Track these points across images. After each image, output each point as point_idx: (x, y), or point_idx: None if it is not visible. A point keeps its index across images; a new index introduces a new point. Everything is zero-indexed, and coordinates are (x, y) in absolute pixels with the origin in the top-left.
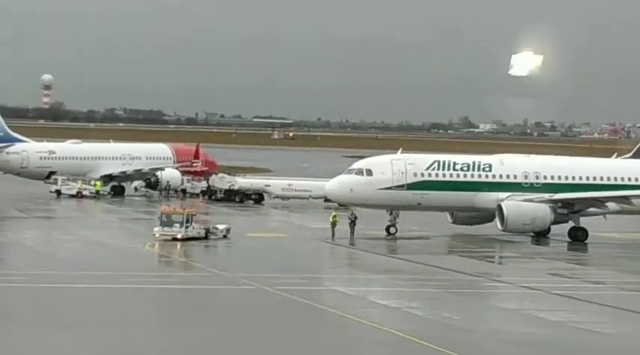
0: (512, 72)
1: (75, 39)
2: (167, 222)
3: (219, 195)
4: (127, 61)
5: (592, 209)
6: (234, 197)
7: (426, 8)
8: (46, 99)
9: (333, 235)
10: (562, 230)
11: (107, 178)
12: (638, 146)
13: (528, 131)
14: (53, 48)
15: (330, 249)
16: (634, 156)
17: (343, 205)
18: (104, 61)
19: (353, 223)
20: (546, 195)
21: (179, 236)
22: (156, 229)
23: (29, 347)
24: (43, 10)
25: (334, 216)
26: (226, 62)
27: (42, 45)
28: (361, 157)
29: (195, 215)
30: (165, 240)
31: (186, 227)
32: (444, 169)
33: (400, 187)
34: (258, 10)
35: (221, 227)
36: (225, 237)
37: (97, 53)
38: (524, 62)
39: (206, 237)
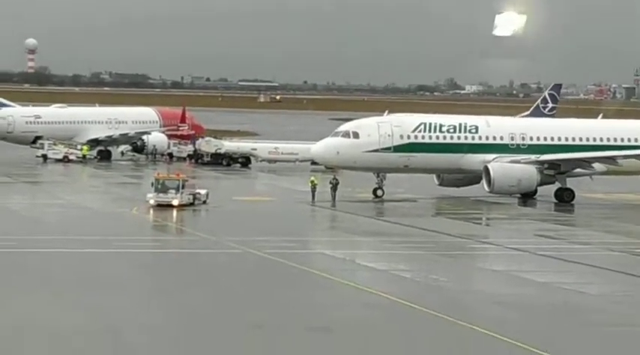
0: (496, 32)
1: (59, 3)
2: (162, 189)
3: (206, 159)
4: (113, 25)
5: (578, 170)
6: (221, 161)
7: None
8: (30, 64)
9: (313, 199)
10: (549, 191)
11: (93, 142)
12: (535, 104)
13: (514, 92)
14: (38, 12)
15: (317, 212)
16: (531, 115)
17: (330, 168)
18: (89, 25)
19: (334, 187)
20: (532, 157)
21: (175, 202)
22: (150, 195)
23: (15, 313)
24: None
25: (312, 181)
26: (213, 27)
27: (26, 9)
28: (348, 120)
29: (187, 181)
30: (160, 206)
31: (182, 193)
32: (430, 131)
33: (387, 149)
34: None
35: (202, 192)
36: (204, 202)
37: (82, 17)
38: (508, 22)
39: (192, 203)
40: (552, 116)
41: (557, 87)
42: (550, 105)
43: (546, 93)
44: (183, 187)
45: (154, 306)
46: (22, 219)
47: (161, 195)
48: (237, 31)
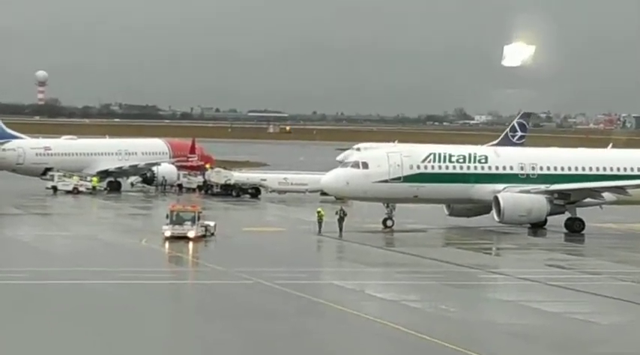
0: (505, 62)
1: (69, 35)
2: (177, 220)
3: (216, 190)
4: (121, 57)
5: (588, 199)
6: (231, 191)
7: (419, 3)
8: (40, 96)
9: (320, 230)
10: (559, 221)
11: (103, 174)
12: (504, 133)
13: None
14: (48, 45)
15: (327, 242)
16: (500, 144)
17: (340, 198)
18: (98, 57)
19: (341, 218)
20: (542, 186)
21: (190, 234)
22: (165, 227)
23: (26, 344)
24: (37, 7)
25: (319, 211)
26: (222, 60)
27: (36, 42)
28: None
29: (202, 212)
30: (173, 237)
31: (198, 225)
32: (440, 161)
33: (396, 180)
34: (248, 10)
35: (211, 224)
36: (212, 234)
37: (91, 49)
38: (517, 53)
39: (205, 235)
40: (521, 145)
41: (527, 115)
42: (519, 133)
43: (515, 122)
44: (198, 219)
45: (162, 337)
46: (32, 251)
47: (177, 227)
48: (246, 63)
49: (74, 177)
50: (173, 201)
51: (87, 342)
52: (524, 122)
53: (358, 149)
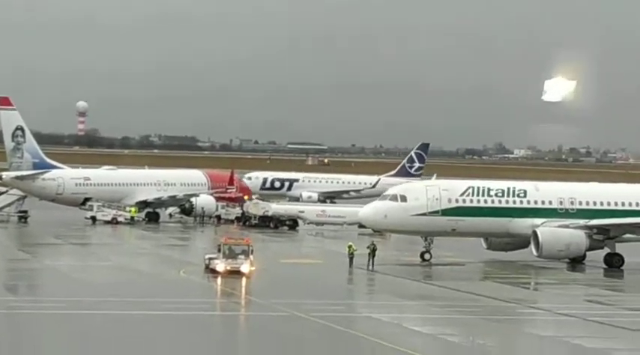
0: (546, 98)
1: (109, 66)
2: (230, 254)
3: (254, 221)
4: (162, 89)
5: (628, 235)
6: (269, 223)
7: (460, 38)
8: (81, 126)
9: (351, 264)
10: (598, 256)
11: (142, 204)
12: (401, 164)
13: (563, 157)
14: (88, 75)
15: (363, 275)
16: (397, 175)
17: (377, 231)
18: (138, 89)
19: (373, 253)
20: (581, 221)
21: (244, 269)
22: (217, 261)
23: None
24: (78, 39)
25: (350, 246)
26: (261, 93)
27: (77, 73)
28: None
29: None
30: (231, 272)
31: (250, 259)
32: (478, 195)
33: (435, 213)
34: (288, 46)
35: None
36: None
37: (132, 81)
38: (558, 88)
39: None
40: (419, 176)
41: (425, 146)
42: (417, 164)
43: (413, 153)
44: (251, 253)
45: None
46: (71, 281)
47: (230, 260)
48: (286, 96)
49: (113, 208)
50: (211, 232)
51: None
52: (422, 153)
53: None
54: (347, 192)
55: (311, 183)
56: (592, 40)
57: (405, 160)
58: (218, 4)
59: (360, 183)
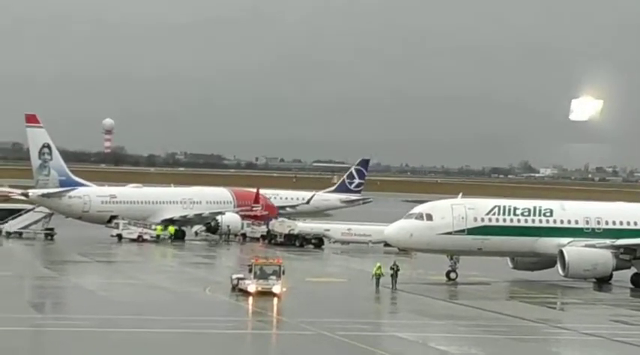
0: (573, 117)
1: (136, 84)
2: (261, 275)
3: (279, 240)
4: (187, 107)
5: None
6: (294, 241)
7: (488, 56)
8: (107, 144)
9: (377, 288)
10: (625, 276)
11: (168, 222)
12: (341, 180)
13: (589, 176)
14: (115, 93)
15: (388, 294)
16: (336, 191)
17: (403, 250)
18: (164, 107)
19: (395, 274)
20: (608, 241)
21: (276, 290)
22: (248, 282)
23: None
24: (104, 55)
25: (379, 268)
26: (285, 110)
27: (104, 90)
28: (421, 202)
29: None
30: (261, 293)
31: (282, 280)
32: (504, 214)
33: (460, 232)
34: (307, 61)
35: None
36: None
37: (157, 98)
38: (585, 107)
39: None
40: (359, 192)
41: (365, 162)
42: (357, 180)
43: (353, 169)
44: (283, 273)
45: None
46: (97, 298)
47: (261, 281)
48: (310, 114)
49: (139, 226)
50: (237, 250)
51: None
52: (362, 169)
53: None
54: (283, 207)
55: None
56: (619, 59)
57: (345, 176)
58: (245, 19)
59: (297, 198)
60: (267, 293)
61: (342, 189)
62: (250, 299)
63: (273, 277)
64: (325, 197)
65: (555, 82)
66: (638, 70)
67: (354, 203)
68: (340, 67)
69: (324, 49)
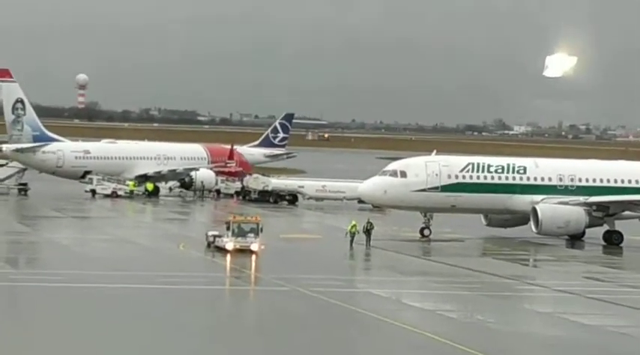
0: (547, 73)
1: (110, 39)
2: (239, 232)
3: (254, 196)
4: (162, 62)
5: (627, 212)
6: (269, 198)
7: (461, 11)
8: (81, 99)
9: (351, 245)
10: (597, 233)
11: (142, 178)
12: (265, 134)
13: (563, 133)
14: (88, 49)
15: (363, 251)
16: (261, 145)
17: (377, 207)
18: (138, 62)
19: (368, 232)
20: (581, 198)
21: (254, 248)
22: (226, 240)
23: (60, 348)
24: (79, 8)
25: (354, 226)
26: (261, 64)
27: (77, 46)
28: (395, 159)
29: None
30: (240, 250)
31: (259, 237)
32: (478, 171)
33: (434, 189)
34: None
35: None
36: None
37: (132, 54)
38: (559, 63)
39: None
40: (283, 146)
41: (289, 116)
42: (281, 135)
43: (277, 123)
44: (261, 231)
45: (194, 344)
46: (70, 254)
47: (240, 239)
48: (285, 68)
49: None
50: (211, 206)
51: (122, 346)
52: (286, 123)
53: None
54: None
55: None
56: (594, 16)
57: (269, 130)
58: None
59: None
60: (243, 251)
61: (267, 143)
62: (228, 256)
63: (251, 235)
64: (250, 151)
65: (530, 39)
66: (611, 25)
67: (277, 157)
68: (308, 22)
69: None
